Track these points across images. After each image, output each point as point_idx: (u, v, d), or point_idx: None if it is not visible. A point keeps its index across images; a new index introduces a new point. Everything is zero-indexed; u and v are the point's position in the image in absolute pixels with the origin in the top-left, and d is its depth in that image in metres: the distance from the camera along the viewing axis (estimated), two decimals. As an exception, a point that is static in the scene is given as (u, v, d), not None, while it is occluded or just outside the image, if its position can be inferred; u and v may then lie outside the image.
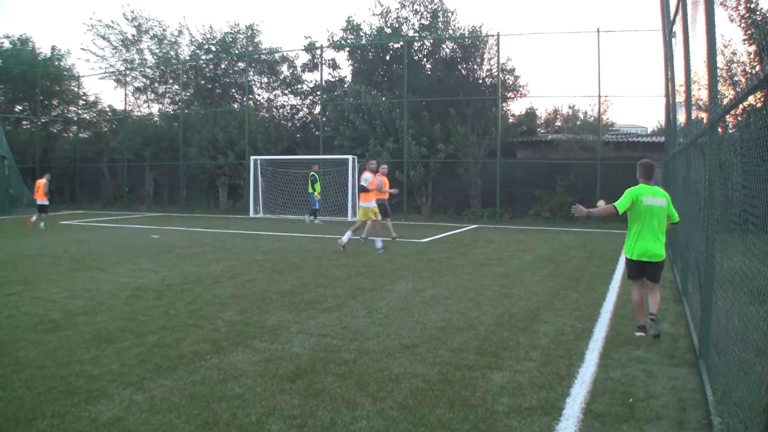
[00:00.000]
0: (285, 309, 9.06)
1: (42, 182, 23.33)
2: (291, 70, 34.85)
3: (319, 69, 31.89)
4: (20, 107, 37.61)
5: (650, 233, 7.62)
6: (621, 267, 13.25)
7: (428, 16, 29.45)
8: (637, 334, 7.77)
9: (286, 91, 35.44)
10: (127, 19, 37.16)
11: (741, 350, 4.47)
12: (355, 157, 26.96)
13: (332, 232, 21.03)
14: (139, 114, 37.51)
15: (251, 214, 28.65)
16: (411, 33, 29.53)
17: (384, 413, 5.16)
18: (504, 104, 29.04)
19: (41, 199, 23.15)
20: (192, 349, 6.97)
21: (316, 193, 24.59)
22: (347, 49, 30.81)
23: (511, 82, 28.72)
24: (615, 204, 7.64)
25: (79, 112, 39.08)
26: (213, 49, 35.88)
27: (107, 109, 39.40)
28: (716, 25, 5.38)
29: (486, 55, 28.68)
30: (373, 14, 37.61)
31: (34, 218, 23.16)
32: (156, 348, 7.02)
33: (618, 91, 45.31)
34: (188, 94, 36.07)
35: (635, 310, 8.06)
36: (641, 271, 7.86)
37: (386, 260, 14.02)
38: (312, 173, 24.62)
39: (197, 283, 11.23)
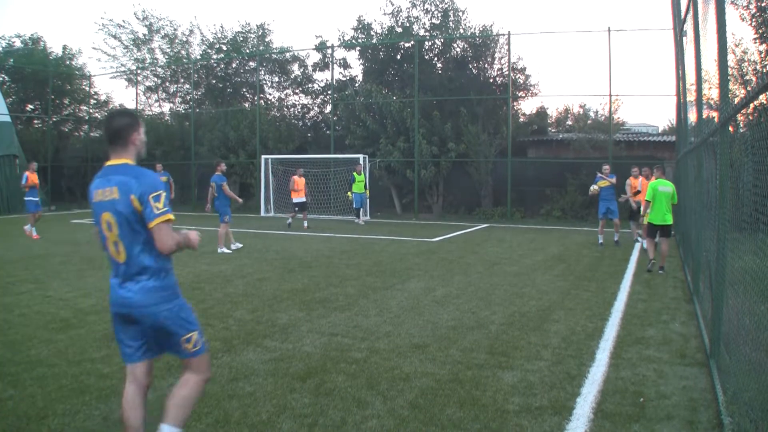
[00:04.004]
0: (296, 308, 9.09)
1: (302, 180, 22.58)
2: (302, 70, 34.92)
3: (330, 68, 31.92)
4: (32, 106, 37.76)
5: (662, 208, 12.28)
6: (632, 266, 13.22)
7: (439, 15, 29.44)
8: (652, 268, 12.56)
9: (297, 91, 35.53)
10: (138, 18, 37.45)
11: (752, 350, 4.46)
12: (366, 156, 26.99)
13: (345, 231, 21.07)
14: (150, 113, 37.63)
15: (262, 213, 28.71)
16: (422, 32, 29.51)
17: (394, 412, 5.17)
18: (515, 103, 29.01)
19: (299, 197, 22.42)
20: (203, 348, 6.99)
21: (348, 192, 24.63)
22: (358, 48, 30.82)
23: (522, 81, 28.70)
24: (646, 197, 12.55)
25: (91, 111, 39.24)
26: (224, 48, 35.98)
27: (118, 108, 39.50)
28: (727, 24, 5.35)
29: (497, 54, 28.67)
30: (384, 13, 37.65)
31: (289, 220, 22.66)
32: (167, 346, 7.04)
33: (629, 90, 45.21)
34: (199, 93, 36.16)
35: (649, 252, 12.76)
36: (656, 231, 12.48)
37: (397, 259, 14.02)
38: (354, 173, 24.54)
39: (208, 281, 11.27)
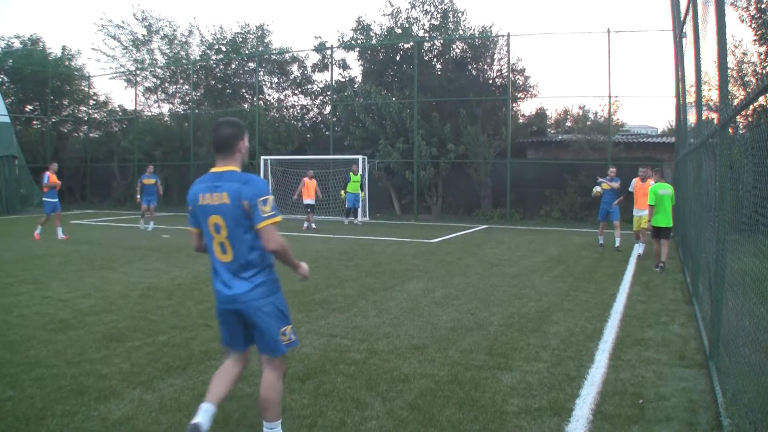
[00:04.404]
0: (295, 309, 9.06)
1: (313, 182, 22.40)
2: (301, 71, 34.89)
3: (330, 69, 31.91)
4: (31, 107, 37.71)
5: (664, 210, 12.68)
6: (631, 268, 13.22)
7: (438, 16, 29.43)
8: (656, 269, 12.80)
9: (296, 92, 35.49)
10: (137, 19, 37.37)
11: (751, 351, 4.46)
12: (365, 157, 26.99)
13: (340, 232, 21.06)
14: (149, 114, 37.64)
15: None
16: (421, 33, 29.51)
17: (394, 413, 5.17)
18: (514, 104, 29.05)
19: (309, 198, 22.27)
20: (202, 349, 6.99)
21: (342, 192, 24.64)
22: (357, 49, 30.80)
23: (521, 83, 28.70)
24: (649, 201, 12.79)
25: (90, 112, 39.21)
26: (223, 49, 35.96)
27: (117, 109, 39.56)
28: (727, 26, 5.35)
29: (496, 56, 28.71)
30: (384, 14, 37.59)
31: (311, 225, 22.08)
32: (166, 347, 7.04)
33: (628, 91, 45.33)
34: (198, 94, 36.15)
35: (656, 256, 13.01)
36: (659, 232, 12.81)
37: (396, 260, 14.02)
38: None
39: (207, 282, 11.24)
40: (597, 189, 16.56)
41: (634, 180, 15.45)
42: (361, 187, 24.89)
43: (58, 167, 19.95)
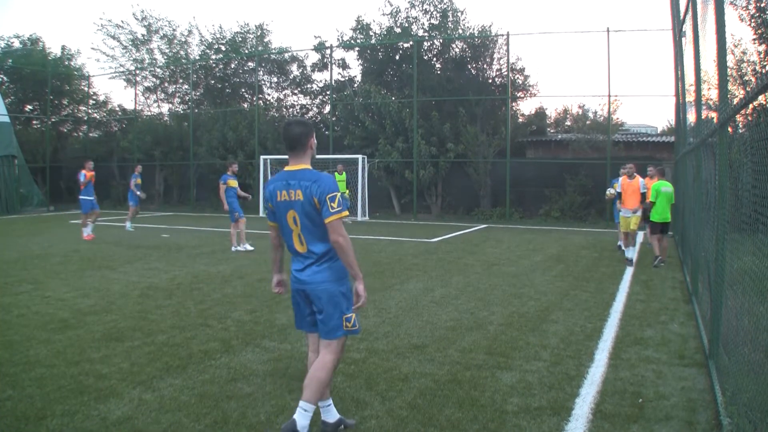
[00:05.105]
0: (294, 308, 9.06)
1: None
2: (301, 70, 34.86)
3: (329, 69, 31.88)
4: (30, 107, 37.67)
5: (664, 206, 13.26)
6: (631, 267, 13.21)
7: (438, 15, 29.41)
8: (658, 264, 13.20)
9: (295, 91, 35.46)
10: (137, 18, 37.27)
11: (751, 351, 4.45)
12: (365, 156, 26.96)
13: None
14: (149, 114, 37.56)
15: (261, 214, 28.58)
16: (421, 33, 29.49)
17: (393, 413, 5.17)
18: (514, 104, 28.96)
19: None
20: (201, 349, 6.98)
21: None
22: (357, 48, 30.81)
23: (520, 82, 28.64)
24: (650, 198, 13.25)
25: (89, 111, 39.16)
26: (223, 48, 35.93)
27: (117, 108, 39.50)
28: (726, 25, 5.35)
29: (496, 55, 28.65)
30: (383, 14, 37.71)
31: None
32: (166, 347, 7.04)
33: (628, 90, 45.17)
34: (198, 93, 36.12)
35: (655, 250, 13.43)
36: (659, 227, 13.36)
37: (396, 260, 14.01)
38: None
39: (207, 282, 11.25)
40: (611, 191, 16.19)
41: (620, 179, 14.32)
42: (348, 187, 24.92)
43: (93, 165, 19.64)
